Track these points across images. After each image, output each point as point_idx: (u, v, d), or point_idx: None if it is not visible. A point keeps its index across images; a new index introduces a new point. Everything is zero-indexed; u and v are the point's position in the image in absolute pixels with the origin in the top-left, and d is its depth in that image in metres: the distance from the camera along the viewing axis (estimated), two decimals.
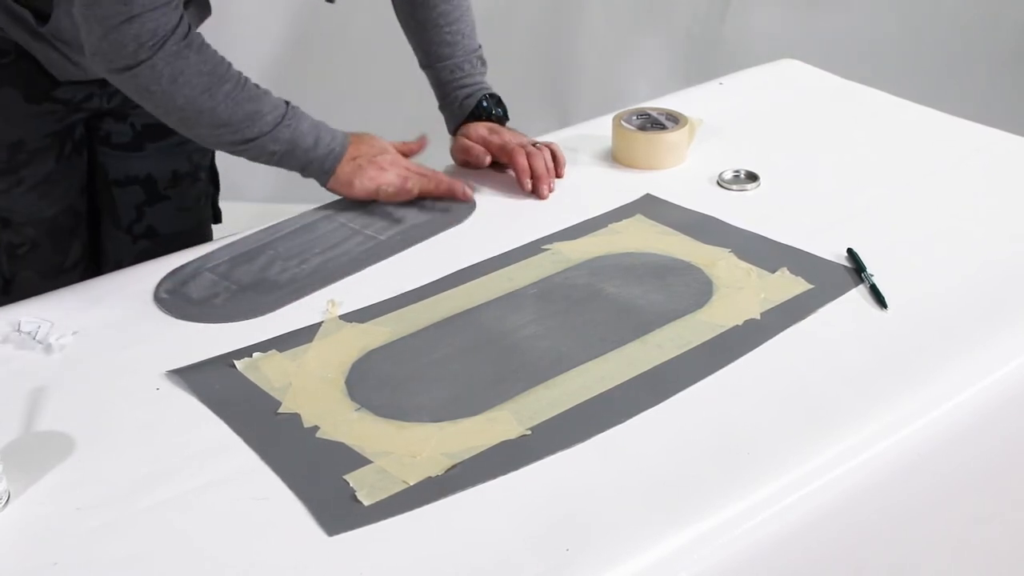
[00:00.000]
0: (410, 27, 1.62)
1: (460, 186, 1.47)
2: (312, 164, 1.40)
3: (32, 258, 1.51)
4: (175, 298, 1.31)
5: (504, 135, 1.55)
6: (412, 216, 1.47)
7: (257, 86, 1.36)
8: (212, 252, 1.40)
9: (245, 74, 1.35)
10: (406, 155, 1.50)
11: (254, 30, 2.89)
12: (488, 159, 1.55)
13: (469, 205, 1.49)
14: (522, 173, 1.51)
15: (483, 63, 1.61)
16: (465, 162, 1.57)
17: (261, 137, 1.35)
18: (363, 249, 1.40)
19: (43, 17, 1.38)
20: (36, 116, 1.43)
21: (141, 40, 1.25)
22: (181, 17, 1.28)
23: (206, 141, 1.37)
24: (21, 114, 1.38)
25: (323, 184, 1.43)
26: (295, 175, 1.45)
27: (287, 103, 1.38)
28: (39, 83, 1.40)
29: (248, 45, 2.91)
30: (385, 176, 1.44)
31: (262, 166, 1.40)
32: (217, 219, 1.72)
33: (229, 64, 1.33)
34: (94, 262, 1.62)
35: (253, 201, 2.84)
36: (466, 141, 1.56)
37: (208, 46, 1.32)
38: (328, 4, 1.55)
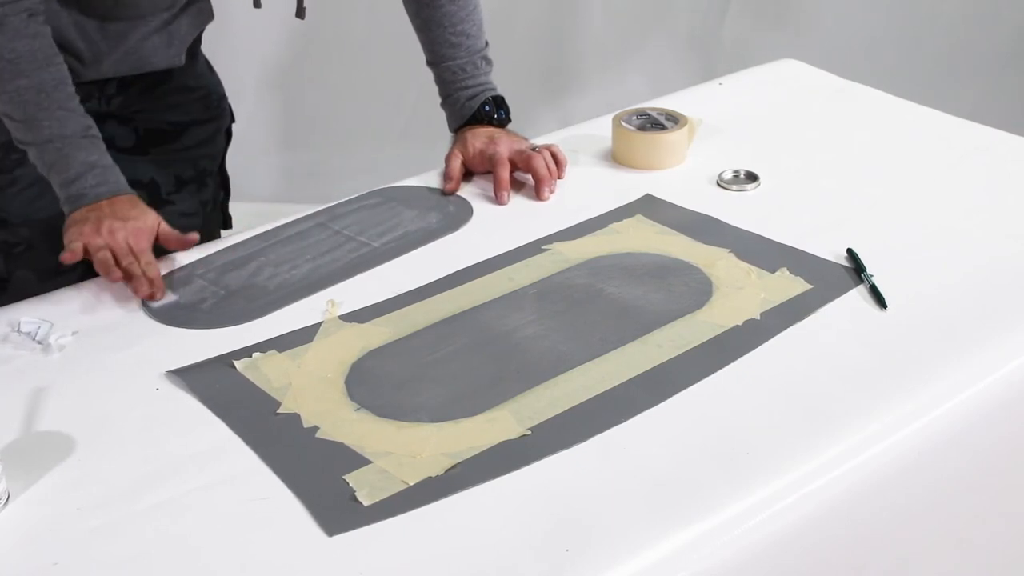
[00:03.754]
0: (416, 25, 1.62)
1: (145, 289, 1.29)
2: (62, 196, 1.34)
3: (28, 258, 1.51)
4: (163, 303, 1.31)
5: (500, 144, 1.55)
6: (407, 223, 1.46)
7: (68, 101, 1.32)
8: (205, 257, 1.40)
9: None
10: (168, 244, 1.37)
11: (255, 32, 2.89)
12: (457, 186, 1.54)
13: (466, 213, 1.49)
14: (500, 187, 1.51)
15: (488, 62, 1.61)
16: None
17: (30, 145, 1.33)
18: (355, 256, 1.39)
19: None
20: None
21: None
22: (11, 3, 1.27)
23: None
24: None
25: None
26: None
27: (86, 132, 1.33)
28: None
29: (250, 47, 2.92)
30: (90, 238, 1.30)
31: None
32: (227, 224, 1.71)
33: (46, 67, 1.31)
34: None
35: (257, 201, 2.84)
36: (450, 168, 1.55)
37: (32, 39, 1.29)
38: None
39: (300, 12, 1.51)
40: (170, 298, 1.31)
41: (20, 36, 1.29)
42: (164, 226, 1.36)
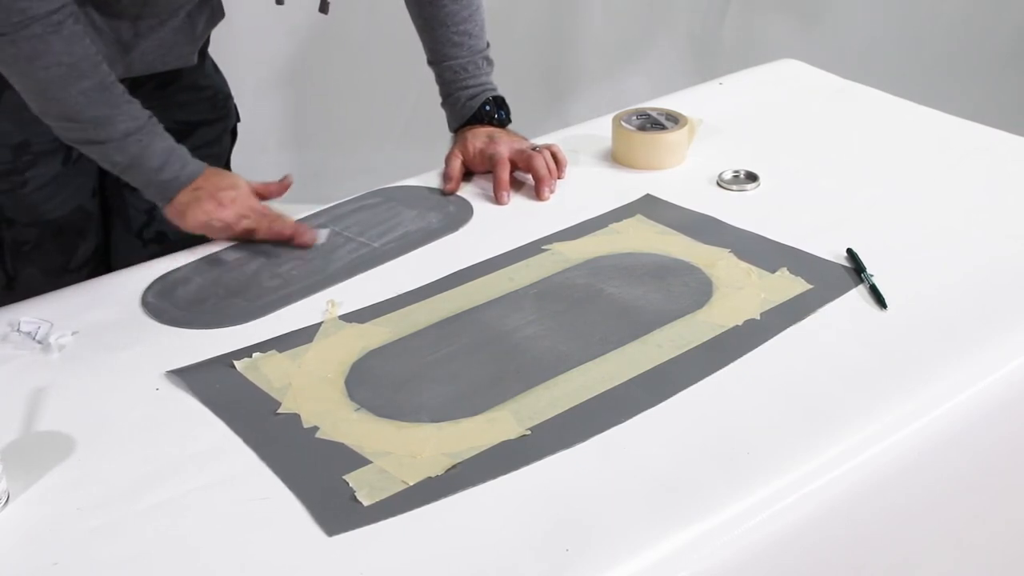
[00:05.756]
0: (418, 24, 1.62)
1: (302, 231, 1.41)
2: (153, 186, 1.37)
3: (36, 256, 1.51)
4: (162, 303, 1.31)
5: (500, 144, 1.55)
6: (408, 223, 1.46)
7: (125, 94, 1.34)
8: (204, 257, 1.40)
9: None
10: (264, 197, 1.44)
11: (255, 33, 2.89)
12: (457, 186, 1.54)
13: (466, 213, 1.49)
14: (500, 187, 1.51)
15: (489, 63, 1.61)
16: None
17: (107, 143, 1.34)
18: (355, 256, 1.39)
19: None
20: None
21: (8, 15, 1.25)
22: (62, 7, 1.28)
23: (59, 133, 1.36)
24: (27, 116, 1.39)
25: (162, 209, 1.40)
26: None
27: (150, 118, 1.36)
28: None
29: (250, 47, 2.92)
30: (220, 212, 1.38)
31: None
32: None
33: (99, 65, 1.32)
34: (105, 264, 1.62)
35: None
36: (450, 168, 1.55)
37: (81, 40, 1.30)
38: (331, 10, 1.55)
39: (323, 7, 1.51)
40: (322, 235, 1.42)
41: (75, 39, 1.30)
42: (255, 183, 1.44)
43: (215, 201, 1.37)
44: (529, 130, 1.65)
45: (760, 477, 1.02)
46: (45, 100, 1.32)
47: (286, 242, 1.41)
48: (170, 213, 1.39)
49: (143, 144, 1.35)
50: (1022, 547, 1.33)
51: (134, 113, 1.35)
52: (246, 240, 1.41)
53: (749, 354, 1.18)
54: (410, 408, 1.12)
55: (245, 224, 1.39)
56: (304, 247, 1.40)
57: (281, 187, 1.47)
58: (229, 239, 1.41)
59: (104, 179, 1.57)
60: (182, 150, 1.39)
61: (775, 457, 1.05)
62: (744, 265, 1.34)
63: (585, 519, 0.97)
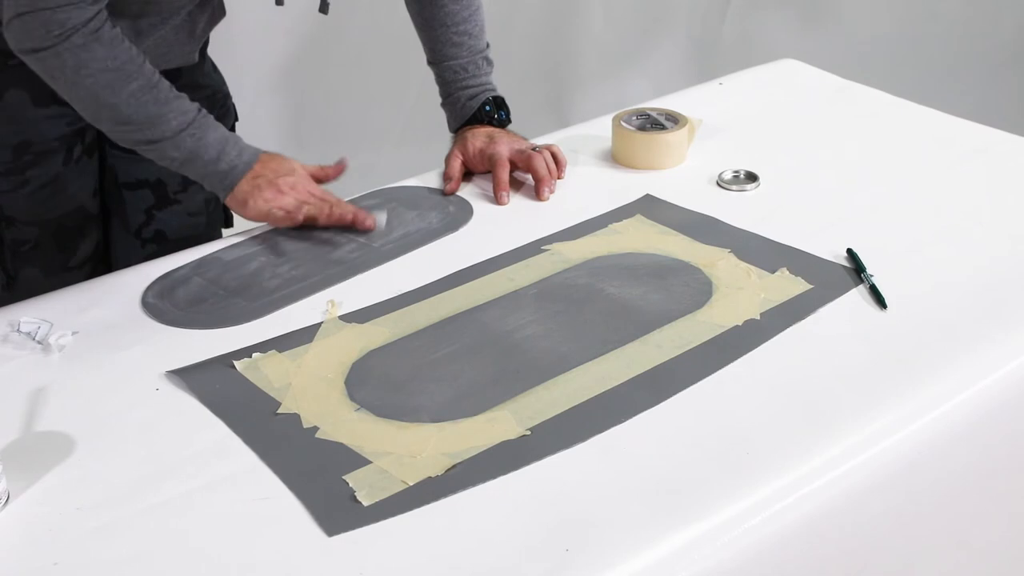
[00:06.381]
0: (418, 23, 1.62)
1: (363, 216, 1.43)
2: (212, 177, 1.38)
3: (36, 256, 1.51)
4: (162, 303, 1.31)
5: (500, 144, 1.55)
6: (408, 223, 1.46)
7: (171, 89, 1.35)
8: (204, 257, 1.40)
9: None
10: (320, 180, 1.46)
11: (254, 32, 2.89)
12: (457, 186, 1.55)
13: (466, 213, 1.49)
14: (499, 187, 1.51)
15: (489, 63, 1.61)
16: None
17: (162, 141, 1.34)
18: (355, 257, 1.39)
19: None
20: (44, 118, 1.44)
21: (49, 28, 1.26)
22: (98, 13, 1.28)
23: (113, 136, 1.37)
24: (28, 116, 1.38)
25: (222, 199, 1.41)
26: None
27: (199, 111, 1.36)
28: (47, 86, 1.41)
29: (249, 47, 2.92)
30: (281, 199, 1.39)
31: None
32: (228, 223, 1.71)
33: (143, 64, 1.33)
34: (104, 264, 1.62)
35: None
36: (450, 168, 1.55)
37: (122, 43, 1.31)
38: (331, 10, 1.55)
39: (323, 7, 1.51)
40: (382, 219, 1.44)
41: (116, 43, 1.30)
42: (311, 167, 1.45)
43: (275, 188, 1.39)
44: (529, 130, 1.65)
45: (760, 477, 1.02)
46: (97, 107, 1.32)
47: (347, 227, 1.42)
48: (231, 203, 1.40)
49: (197, 137, 1.35)
50: (1022, 547, 1.33)
51: (184, 107, 1.35)
52: (307, 227, 1.42)
53: (749, 354, 1.18)
54: (410, 408, 1.12)
55: (306, 211, 1.40)
56: (366, 231, 1.42)
57: (337, 170, 1.48)
58: (291, 227, 1.42)
59: (103, 178, 1.57)
60: (236, 137, 1.40)
61: (775, 457, 1.05)
62: (744, 265, 1.34)
63: (585, 519, 0.97)
